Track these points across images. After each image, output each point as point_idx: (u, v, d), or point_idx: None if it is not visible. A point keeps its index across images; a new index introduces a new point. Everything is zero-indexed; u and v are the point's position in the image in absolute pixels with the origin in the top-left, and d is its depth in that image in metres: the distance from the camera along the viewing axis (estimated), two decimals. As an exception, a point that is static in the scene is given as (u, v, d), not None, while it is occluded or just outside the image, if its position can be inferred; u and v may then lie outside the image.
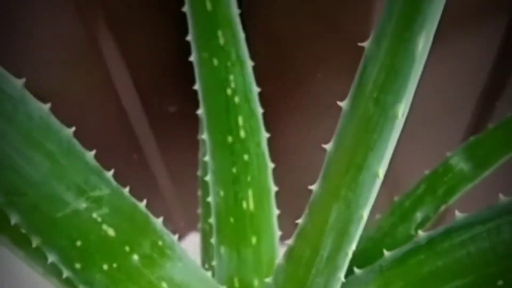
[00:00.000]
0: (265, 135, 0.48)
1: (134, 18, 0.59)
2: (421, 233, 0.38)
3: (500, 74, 0.65)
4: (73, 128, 0.34)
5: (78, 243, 0.37)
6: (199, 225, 0.62)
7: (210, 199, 0.50)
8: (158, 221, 0.42)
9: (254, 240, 0.49)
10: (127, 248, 0.40)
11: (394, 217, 0.56)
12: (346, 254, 0.36)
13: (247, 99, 0.46)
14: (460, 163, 0.54)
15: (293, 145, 0.72)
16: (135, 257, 0.41)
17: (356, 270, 0.42)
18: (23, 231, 0.35)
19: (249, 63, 0.46)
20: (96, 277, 0.40)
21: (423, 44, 0.25)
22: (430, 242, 0.37)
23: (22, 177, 0.33)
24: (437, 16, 0.25)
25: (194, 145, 0.59)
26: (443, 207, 0.55)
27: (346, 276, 0.39)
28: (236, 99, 0.46)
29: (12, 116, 0.32)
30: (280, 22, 0.58)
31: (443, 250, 0.36)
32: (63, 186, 0.35)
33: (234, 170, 0.47)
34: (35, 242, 0.35)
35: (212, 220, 0.49)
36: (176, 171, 0.81)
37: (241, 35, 0.45)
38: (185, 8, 0.44)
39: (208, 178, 0.49)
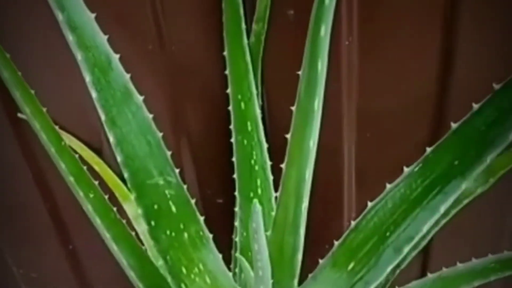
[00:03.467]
0: (273, 194, 0.75)
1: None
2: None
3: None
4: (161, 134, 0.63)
5: (155, 206, 0.64)
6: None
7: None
8: (201, 218, 0.69)
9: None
10: (181, 226, 0.67)
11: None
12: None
13: (263, 168, 0.75)
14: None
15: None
16: (185, 235, 0.67)
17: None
18: (128, 186, 0.62)
19: (265, 145, 0.74)
20: (162, 237, 0.66)
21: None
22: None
23: (135, 150, 0.61)
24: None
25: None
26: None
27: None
28: (256, 167, 0.74)
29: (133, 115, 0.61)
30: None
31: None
32: (153, 165, 0.62)
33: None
34: (133, 195, 0.63)
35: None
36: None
37: (261, 125, 0.74)
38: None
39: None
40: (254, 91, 0.71)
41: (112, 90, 0.57)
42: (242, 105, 0.71)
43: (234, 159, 0.72)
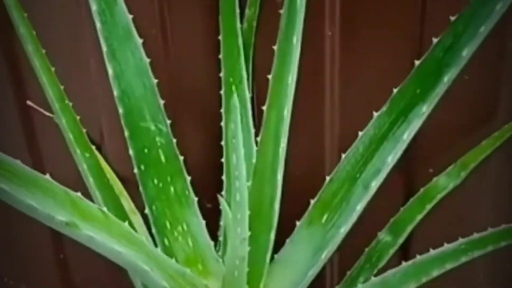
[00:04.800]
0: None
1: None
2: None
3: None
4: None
5: (146, 150, 0.70)
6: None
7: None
8: (188, 178, 0.73)
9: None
10: (169, 178, 0.71)
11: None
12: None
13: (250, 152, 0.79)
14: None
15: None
16: (172, 189, 0.72)
17: None
18: (122, 123, 0.68)
19: (252, 129, 0.78)
20: (149, 184, 0.70)
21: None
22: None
23: (131, 88, 0.68)
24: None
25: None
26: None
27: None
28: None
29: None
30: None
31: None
32: (146, 109, 0.69)
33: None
34: (126, 133, 0.68)
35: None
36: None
37: (249, 109, 0.78)
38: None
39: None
40: (245, 75, 0.77)
41: (115, 25, 0.64)
42: (233, 88, 0.77)
43: (223, 142, 0.77)
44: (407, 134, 0.60)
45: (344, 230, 0.65)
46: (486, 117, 0.76)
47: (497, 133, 0.74)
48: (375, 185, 0.63)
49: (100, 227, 0.56)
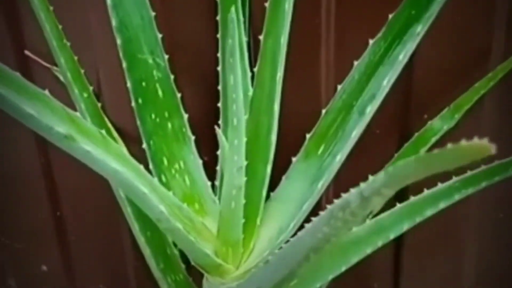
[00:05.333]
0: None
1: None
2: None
3: None
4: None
5: (143, 83, 0.70)
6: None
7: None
8: (186, 115, 0.74)
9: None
10: (166, 114, 0.72)
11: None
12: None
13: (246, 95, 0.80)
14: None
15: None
16: (169, 125, 0.72)
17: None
18: (120, 55, 0.69)
19: (249, 73, 0.78)
20: (147, 118, 0.71)
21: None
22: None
23: (129, 18, 0.68)
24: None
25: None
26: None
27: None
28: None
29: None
30: None
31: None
32: (143, 41, 0.69)
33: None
34: (124, 65, 0.69)
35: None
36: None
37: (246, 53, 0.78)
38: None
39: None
40: (241, 18, 0.77)
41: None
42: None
43: (219, 87, 0.78)
44: (403, 55, 0.61)
45: (339, 158, 0.66)
46: (480, 60, 0.77)
47: (491, 74, 0.75)
48: (370, 110, 0.64)
49: (98, 145, 0.57)
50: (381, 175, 0.38)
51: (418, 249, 0.95)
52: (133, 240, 0.83)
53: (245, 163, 0.64)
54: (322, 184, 0.67)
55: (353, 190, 0.43)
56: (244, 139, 0.62)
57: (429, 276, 0.96)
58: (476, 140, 0.30)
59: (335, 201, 0.46)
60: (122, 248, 0.93)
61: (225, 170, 0.65)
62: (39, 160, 0.91)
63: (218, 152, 0.76)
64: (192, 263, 0.70)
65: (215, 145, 0.75)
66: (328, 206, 0.47)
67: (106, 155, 0.56)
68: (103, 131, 0.59)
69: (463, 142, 0.31)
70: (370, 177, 0.40)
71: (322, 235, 0.49)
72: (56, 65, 0.77)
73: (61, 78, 0.79)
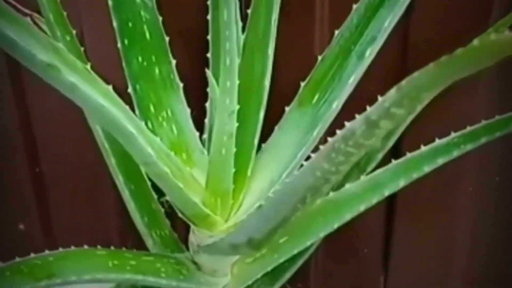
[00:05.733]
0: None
1: None
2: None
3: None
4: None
5: (130, 24, 0.67)
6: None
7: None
8: (174, 61, 0.70)
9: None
10: (153, 58, 0.68)
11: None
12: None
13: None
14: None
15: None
16: (157, 70, 0.69)
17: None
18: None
19: (240, 23, 0.74)
20: (133, 61, 0.67)
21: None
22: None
23: None
24: None
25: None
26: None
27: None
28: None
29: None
30: None
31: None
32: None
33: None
34: (110, 3, 0.65)
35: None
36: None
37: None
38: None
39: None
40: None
41: None
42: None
43: (209, 36, 0.74)
44: (404, -2, 0.58)
45: (336, 105, 0.63)
46: (480, 18, 0.74)
47: (491, 29, 0.73)
48: (370, 53, 0.61)
49: (83, 79, 0.53)
50: (392, 91, 0.34)
51: (410, 214, 0.92)
52: (116, 196, 0.80)
53: (237, 107, 0.60)
54: (317, 133, 0.64)
55: (358, 116, 0.39)
56: (237, 81, 0.59)
57: (421, 242, 0.94)
58: (507, 32, 0.27)
59: (338, 132, 0.42)
60: (104, 206, 0.90)
61: (215, 116, 0.62)
62: (17, 113, 0.87)
63: (207, 104, 0.73)
64: (179, 215, 0.67)
65: (203, 97, 0.72)
66: (329, 139, 0.43)
67: (92, 90, 0.53)
68: (88, 67, 0.55)
69: (492, 36, 0.27)
70: (380, 98, 0.37)
71: (321, 173, 0.46)
72: (38, 12, 0.73)
73: (43, 26, 0.75)
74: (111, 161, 0.72)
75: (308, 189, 0.49)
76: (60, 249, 0.62)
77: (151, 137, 0.61)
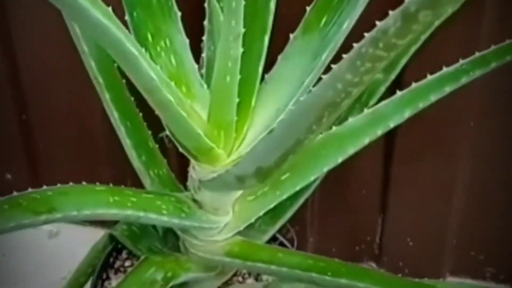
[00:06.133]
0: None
1: None
2: None
3: None
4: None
5: None
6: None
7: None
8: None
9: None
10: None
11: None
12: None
13: None
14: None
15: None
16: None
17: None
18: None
19: None
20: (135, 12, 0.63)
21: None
22: None
23: None
24: None
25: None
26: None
27: None
28: None
29: None
30: None
31: None
32: None
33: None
34: None
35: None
36: None
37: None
38: None
39: None
40: None
41: None
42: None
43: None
44: None
45: (346, 26, 0.60)
46: None
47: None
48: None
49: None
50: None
51: (409, 154, 0.91)
52: (107, 142, 0.77)
53: (242, 30, 0.57)
54: (325, 57, 0.61)
55: (392, 12, 0.37)
56: (243, 1, 0.56)
57: (419, 182, 0.92)
58: None
59: (366, 35, 0.39)
60: (95, 153, 0.87)
61: (220, 40, 0.59)
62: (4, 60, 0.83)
63: (204, 38, 0.70)
64: (180, 149, 0.64)
65: (200, 30, 0.69)
66: (355, 44, 0.40)
67: (93, 8, 0.49)
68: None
69: None
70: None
71: (343, 85, 0.43)
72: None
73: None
74: (105, 96, 0.69)
75: (327, 106, 0.46)
76: (59, 185, 0.59)
77: (152, 64, 0.57)
